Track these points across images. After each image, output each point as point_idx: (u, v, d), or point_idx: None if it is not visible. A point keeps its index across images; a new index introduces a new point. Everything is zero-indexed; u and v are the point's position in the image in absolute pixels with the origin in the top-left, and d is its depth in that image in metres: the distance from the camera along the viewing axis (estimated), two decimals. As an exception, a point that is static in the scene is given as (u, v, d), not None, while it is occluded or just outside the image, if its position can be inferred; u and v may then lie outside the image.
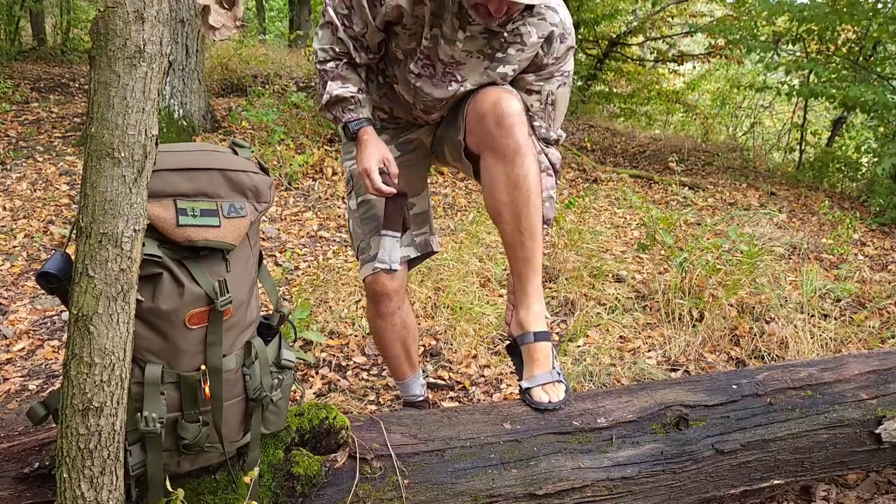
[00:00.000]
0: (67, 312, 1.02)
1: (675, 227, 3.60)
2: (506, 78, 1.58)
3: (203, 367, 1.16)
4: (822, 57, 6.12)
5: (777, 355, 2.53)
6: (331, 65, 1.59)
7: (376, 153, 1.56)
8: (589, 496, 1.45)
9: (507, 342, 1.74)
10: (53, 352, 2.49)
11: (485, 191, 1.59)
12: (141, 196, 1.00)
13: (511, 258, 1.63)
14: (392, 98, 1.70)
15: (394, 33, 1.55)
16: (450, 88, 1.57)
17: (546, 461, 1.45)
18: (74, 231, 1.01)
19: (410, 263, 1.81)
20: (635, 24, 8.56)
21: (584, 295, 2.98)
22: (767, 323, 2.75)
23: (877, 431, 1.61)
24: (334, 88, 1.57)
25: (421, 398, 1.99)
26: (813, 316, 2.78)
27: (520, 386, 1.60)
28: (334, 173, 4.92)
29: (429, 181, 1.88)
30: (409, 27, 1.52)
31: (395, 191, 1.56)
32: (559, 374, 1.60)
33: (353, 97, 1.58)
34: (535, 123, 1.65)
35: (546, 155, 1.69)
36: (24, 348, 2.51)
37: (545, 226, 1.64)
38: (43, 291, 1.87)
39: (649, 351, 2.59)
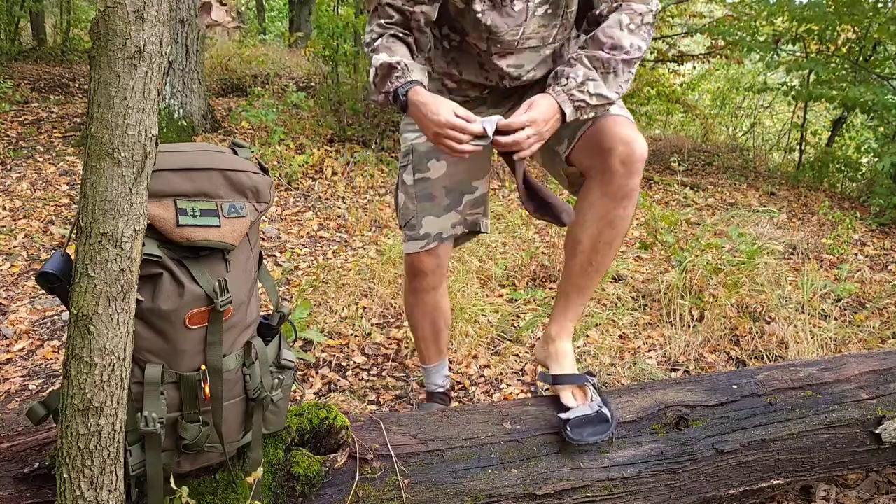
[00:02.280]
0: (67, 312, 1.02)
1: (676, 227, 3.60)
2: None
3: (203, 367, 1.16)
4: (823, 57, 6.12)
5: (777, 355, 2.53)
6: (377, 42, 1.49)
7: (445, 103, 1.36)
8: (589, 496, 1.45)
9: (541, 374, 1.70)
10: (53, 352, 2.49)
11: (576, 216, 1.52)
12: (141, 196, 1.00)
13: (568, 282, 1.63)
14: (461, 60, 1.59)
15: None
16: (517, 8, 1.46)
17: (546, 461, 1.45)
18: (74, 231, 1.01)
19: (456, 241, 1.79)
20: (635, 24, 8.54)
21: (584, 295, 2.98)
22: (767, 323, 2.75)
23: (877, 431, 1.61)
24: (379, 59, 1.44)
25: (442, 389, 1.99)
26: (813, 316, 2.77)
27: (560, 419, 1.52)
28: (334, 173, 4.92)
29: None
30: None
31: (479, 130, 1.34)
32: (600, 406, 1.53)
33: (398, 62, 1.42)
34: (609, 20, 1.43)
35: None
36: (24, 348, 2.51)
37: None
38: (43, 291, 1.87)
39: (649, 351, 2.58)
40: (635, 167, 1.45)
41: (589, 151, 1.50)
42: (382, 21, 1.50)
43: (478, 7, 1.46)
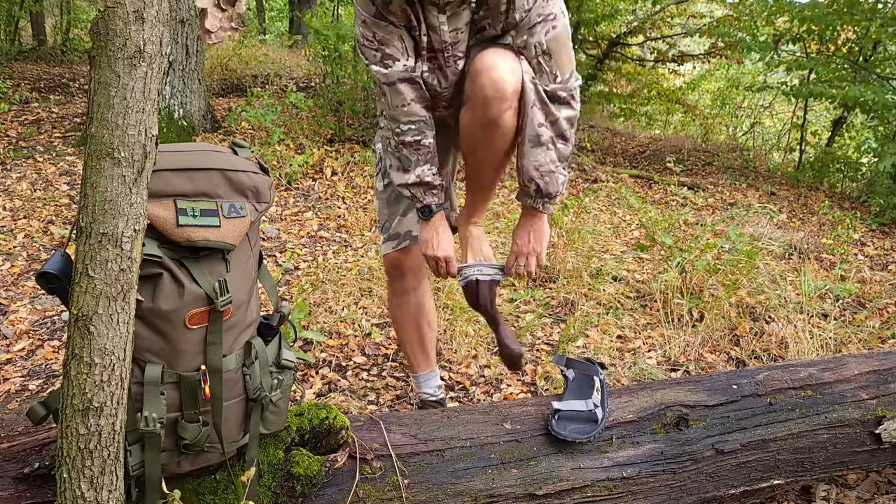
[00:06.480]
0: (67, 312, 1.02)
1: (674, 228, 3.60)
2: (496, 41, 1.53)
3: (203, 367, 1.16)
4: (822, 57, 6.12)
5: (777, 355, 2.53)
6: (412, 138, 1.56)
7: (447, 240, 1.62)
8: (589, 496, 1.45)
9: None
10: (53, 352, 2.49)
11: (462, 128, 1.57)
12: (141, 196, 1.00)
13: (469, 180, 1.68)
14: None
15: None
16: (459, 67, 1.55)
17: (546, 461, 1.45)
18: (74, 231, 1.01)
19: None
20: (635, 24, 8.56)
21: (583, 295, 2.98)
22: (767, 323, 2.75)
23: (877, 431, 1.61)
24: (425, 175, 1.58)
25: (435, 398, 1.97)
26: (813, 316, 2.78)
27: (551, 405, 1.55)
28: (334, 173, 4.92)
29: None
30: (412, 29, 1.50)
31: (453, 272, 1.63)
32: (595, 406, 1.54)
33: (440, 185, 1.60)
34: (534, 83, 1.49)
35: (552, 123, 1.49)
36: (24, 348, 2.51)
37: (552, 201, 1.57)
38: (43, 291, 1.87)
39: (649, 351, 2.58)
40: (503, 94, 1.44)
41: (470, 77, 1.51)
42: (408, 100, 1.54)
43: (424, 68, 1.55)
